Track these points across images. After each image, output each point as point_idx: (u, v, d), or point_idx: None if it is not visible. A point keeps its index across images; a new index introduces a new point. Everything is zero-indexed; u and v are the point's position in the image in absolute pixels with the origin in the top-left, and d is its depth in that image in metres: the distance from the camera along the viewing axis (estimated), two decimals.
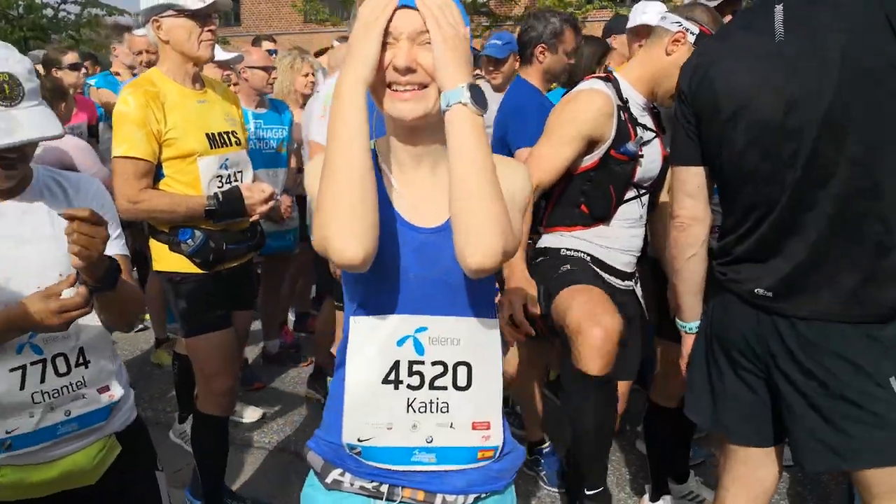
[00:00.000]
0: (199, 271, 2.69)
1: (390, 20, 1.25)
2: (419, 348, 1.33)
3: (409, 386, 1.33)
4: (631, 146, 2.34)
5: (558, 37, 3.49)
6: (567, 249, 2.44)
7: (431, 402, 1.34)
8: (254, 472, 3.56)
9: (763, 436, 1.97)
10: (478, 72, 4.72)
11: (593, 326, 2.25)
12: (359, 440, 1.34)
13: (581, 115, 2.33)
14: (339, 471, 1.38)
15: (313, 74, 4.73)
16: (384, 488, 1.36)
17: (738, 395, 1.95)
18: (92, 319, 1.70)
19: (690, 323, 2.14)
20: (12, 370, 1.62)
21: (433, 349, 1.33)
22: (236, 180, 2.76)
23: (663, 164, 2.49)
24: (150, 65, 4.52)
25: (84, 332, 1.71)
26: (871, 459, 1.76)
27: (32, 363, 1.64)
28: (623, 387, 2.62)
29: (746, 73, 1.79)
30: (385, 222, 1.30)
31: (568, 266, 2.40)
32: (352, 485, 1.37)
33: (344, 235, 1.19)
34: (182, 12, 2.57)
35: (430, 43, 1.26)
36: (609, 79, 2.41)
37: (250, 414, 4.02)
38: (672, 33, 2.37)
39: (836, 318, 1.74)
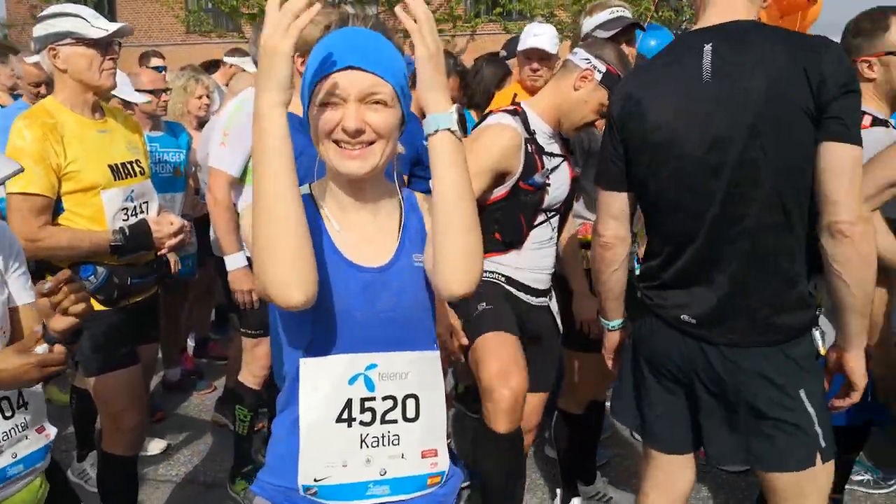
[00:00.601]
0: (103, 308, 2.59)
1: (330, 76, 1.29)
2: (370, 385, 1.37)
3: (361, 423, 1.37)
4: (538, 178, 2.44)
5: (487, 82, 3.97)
6: (483, 272, 2.50)
7: (383, 436, 1.38)
8: None
9: (684, 443, 2.11)
10: None
11: (503, 387, 2.40)
12: (315, 480, 1.36)
13: (489, 150, 2.41)
14: None
15: (208, 97, 4.62)
16: None
17: (664, 407, 2.09)
18: None
19: (613, 322, 2.31)
20: None
21: (383, 385, 1.38)
22: (142, 212, 2.68)
23: (571, 185, 2.62)
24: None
25: None
26: (778, 465, 1.92)
27: None
28: (537, 398, 2.73)
29: (674, 109, 1.90)
30: (330, 264, 1.33)
31: (484, 304, 2.49)
32: None
33: (282, 283, 1.22)
34: (81, 41, 2.48)
35: (377, 102, 1.30)
36: (517, 111, 2.50)
37: (154, 446, 3.89)
38: (581, 69, 2.48)
39: (755, 344, 1.89)
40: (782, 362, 1.89)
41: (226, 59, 6.22)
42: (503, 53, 4.86)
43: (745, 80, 1.80)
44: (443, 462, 1.45)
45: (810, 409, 1.89)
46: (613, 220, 2.11)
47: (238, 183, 3.23)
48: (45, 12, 2.56)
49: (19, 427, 1.71)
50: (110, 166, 2.57)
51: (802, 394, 1.89)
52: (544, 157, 2.48)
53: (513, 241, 2.51)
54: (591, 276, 2.99)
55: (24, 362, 1.50)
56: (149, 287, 2.77)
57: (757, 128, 1.79)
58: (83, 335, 2.55)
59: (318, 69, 1.32)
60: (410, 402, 1.40)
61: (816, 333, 1.94)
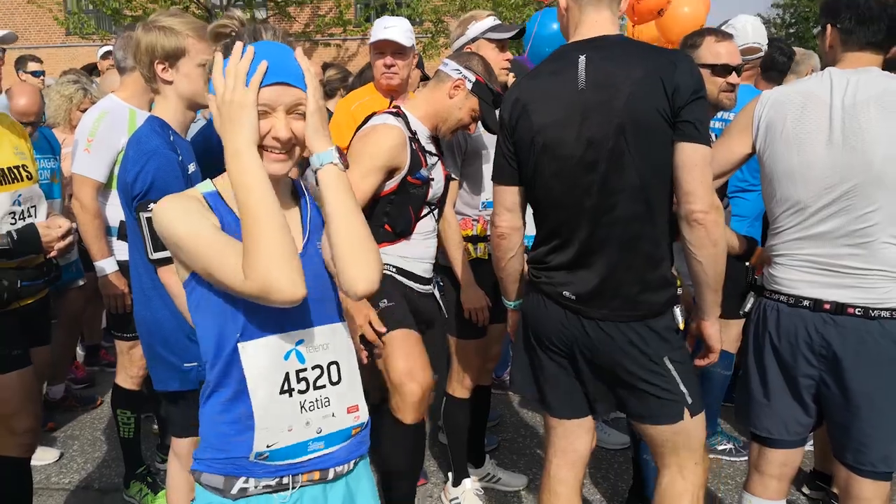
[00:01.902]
0: None
1: (261, 90, 1.48)
2: (301, 358, 1.56)
3: (298, 391, 1.56)
4: (424, 172, 2.67)
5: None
6: None
7: (317, 400, 1.58)
8: None
9: (575, 409, 2.35)
10: None
11: (411, 382, 2.64)
12: (267, 447, 1.54)
13: (380, 147, 2.61)
14: (242, 479, 1.55)
15: None
16: (287, 479, 1.57)
17: (554, 377, 2.32)
18: None
19: (513, 302, 2.52)
20: None
21: (311, 356, 1.58)
22: (30, 216, 2.68)
23: (445, 182, 2.85)
24: None
25: None
26: (652, 418, 2.21)
27: None
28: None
29: (555, 114, 2.14)
30: None
31: (385, 301, 2.70)
32: (256, 487, 1.55)
33: (287, 279, 1.40)
34: None
35: (301, 114, 1.50)
36: (399, 113, 2.72)
37: (46, 455, 3.86)
38: (453, 79, 2.74)
39: (624, 318, 2.16)
40: (647, 334, 2.15)
41: (102, 60, 6.12)
42: None
43: (612, 87, 2.06)
44: (363, 413, 1.67)
45: (674, 373, 2.17)
46: (508, 212, 2.32)
47: (105, 188, 3.27)
48: None
49: None
50: None
51: (666, 360, 2.16)
52: (427, 156, 2.71)
53: (403, 231, 2.72)
54: (475, 267, 3.25)
55: None
56: (39, 290, 2.78)
57: (623, 128, 2.04)
58: None
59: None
60: (333, 368, 1.61)
61: (676, 310, 2.22)
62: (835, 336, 2.22)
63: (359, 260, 1.50)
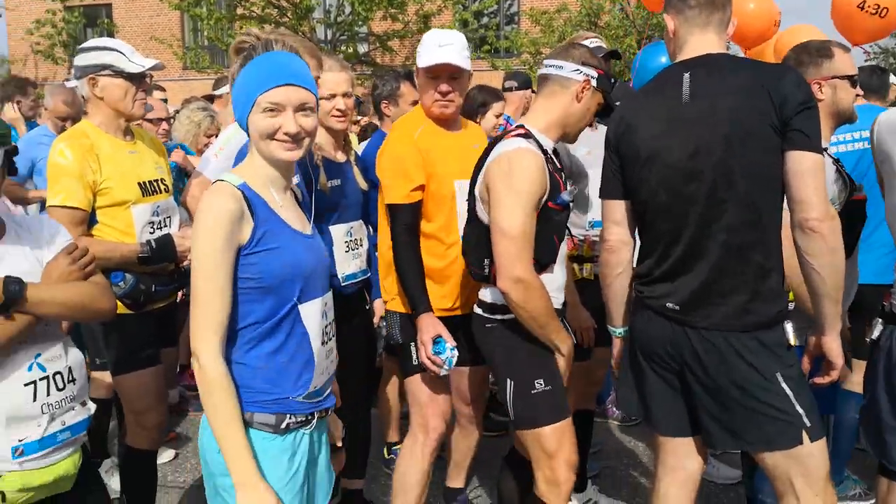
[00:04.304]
0: (129, 312, 2.81)
1: (271, 90, 1.70)
2: (326, 317, 1.89)
3: (328, 340, 1.91)
4: (566, 195, 2.46)
5: (396, 92, 3.96)
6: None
7: (330, 350, 1.93)
8: None
9: (683, 426, 2.32)
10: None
11: (571, 474, 2.52)
12: (314, 387, 1.85)
13: (531, 179, 2.38)
14: (288, 415, 1.79)
15: (216, 135, 4.84)
16: (313, 415, 1.85)
17: (660, 393, 2.30)
18: (73, 344, 1.99)
19: (619, 329, 2.49)
20: (26, 385, 1.84)
21: (329, 314, 1.91)
22: (166, 226, 2.91)
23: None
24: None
25: (70, 354, 1.96)
26: (766, 443, 2.13)
27: (40, 379, 1.86)
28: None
29: (659, 128, 2.18)
30: (291, 235, 1.79)
31: (542, 382, 2.49)
32: (294, 421, 1.80)
33: None
34: (119, 73, 2.74)
35: (308, 109, 1.73)
36: (528, 134, 2.46)
37: (162, 455, 4.05)
38: (579, 82, 2.48)
39: (731, 328, 2.12)
40: (756, 347, 2.10)
41: (216, 91, 6.52)
42: (514, 84, 4.87)
43: (718, 100, 2.09)
44: None
45: (788, 391, 2.10)
46: (616, 225, 2.35)
47: None
48: (86, 45, 2.82)
49: (68, 399, 1.93)
50: (139, 184, 2.82)
51: (779, 376, 2.10)
52: (562, 177, 2.52)
53: (548, 261, 2.54)
54: (580, 288, 3.23)
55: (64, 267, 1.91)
56: (170, 294, 3.00)
57: (730, 138, 2.06)
58: (111, 337, 2.80)
59: (261, 84, 1.71)
60: (333, 326, 1.95)
61: (788, 326, 2.16)
62: None
63: None
